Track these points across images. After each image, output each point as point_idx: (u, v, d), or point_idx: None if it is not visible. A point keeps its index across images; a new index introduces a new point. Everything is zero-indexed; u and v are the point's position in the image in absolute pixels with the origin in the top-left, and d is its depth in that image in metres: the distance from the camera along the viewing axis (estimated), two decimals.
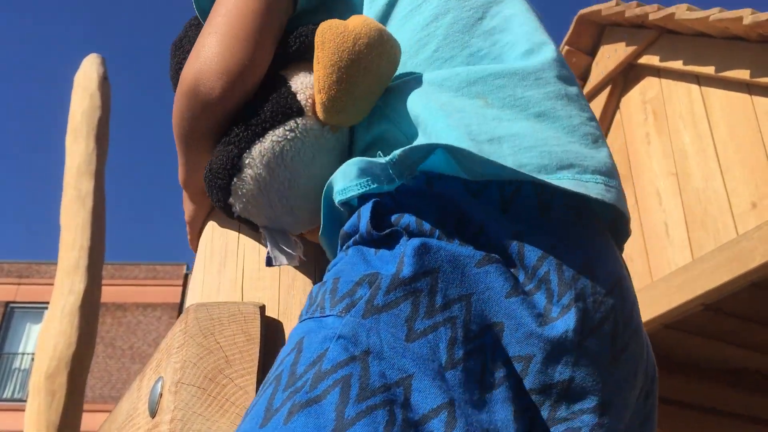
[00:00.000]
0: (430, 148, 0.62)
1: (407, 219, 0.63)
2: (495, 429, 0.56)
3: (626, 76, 3.80)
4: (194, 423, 0.73)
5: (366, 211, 0.65)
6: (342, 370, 0.54)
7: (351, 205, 0.70)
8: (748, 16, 2.84)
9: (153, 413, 0.76)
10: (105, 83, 3.41)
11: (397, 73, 0.77)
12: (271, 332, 0.82)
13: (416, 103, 0.70)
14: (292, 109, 0.75)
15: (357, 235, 0.66)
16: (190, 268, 17.00)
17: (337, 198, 0.69)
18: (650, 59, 3.57)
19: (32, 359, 15.12)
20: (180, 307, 16.48)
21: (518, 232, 0.62)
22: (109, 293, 15.61)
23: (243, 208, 0.79)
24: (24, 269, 16.56)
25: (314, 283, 0.88)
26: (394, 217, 0.64)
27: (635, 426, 0.67)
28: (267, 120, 0.75)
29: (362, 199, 0.67)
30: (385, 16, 0.82)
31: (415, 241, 0.60)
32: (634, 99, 3.73)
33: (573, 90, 0.74)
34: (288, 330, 0.84)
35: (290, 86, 0.76)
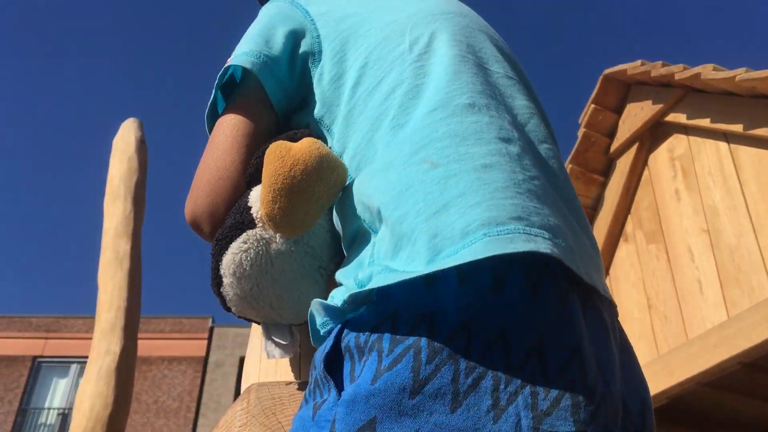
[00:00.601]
0: (371, 292, 0.65)
1: (348, 339, 0.66)
2: None
3: (654, 134, 3.83)
4: None
5: (321, 351, 0.69)
6: None
7: None
8: None
9: None
10: (142, 146, 3.48)
11: (365, 151, 0.80)
12: None
13: (374, 198, 0.73)
14: (244, 222, 0.82)
15: (315, 372, 0.70)
16: (215, 321, 17.00)
17: (321, 331, 0.72)
18: (677, 117, 3.60)
19: (58, 414, 15.09)
20: (205, 361, 16.43)
21: (467, 322, 0.61)
22: None
23: (236, 311, 0.86)
24: (52, 323, 16.66)
25: None
26: (341, 337, 0.67)
27: None
28: (227, 235, 0.83)
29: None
30: (348, 98, 0.86)
31: (345, 397, 0.60)
32: (662, 156, 3.74)
33: (514, 149, 0.74)
34: None
35: (248, 200, 0.83)
